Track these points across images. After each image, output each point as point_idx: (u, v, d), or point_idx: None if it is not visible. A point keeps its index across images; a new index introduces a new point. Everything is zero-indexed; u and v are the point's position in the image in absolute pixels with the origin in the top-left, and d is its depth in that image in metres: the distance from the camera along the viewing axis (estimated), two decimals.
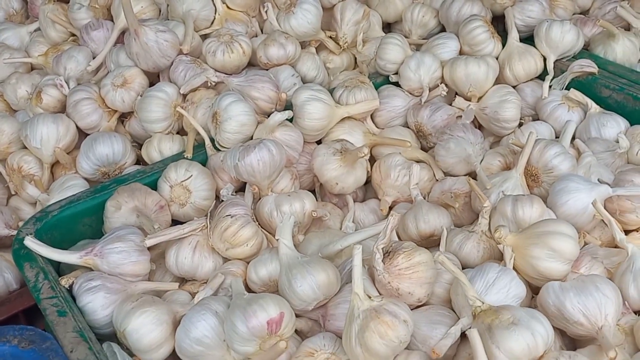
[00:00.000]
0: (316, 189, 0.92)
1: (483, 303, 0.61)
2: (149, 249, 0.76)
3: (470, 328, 0.61)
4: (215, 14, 1.04)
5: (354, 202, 0.89)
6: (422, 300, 0.67)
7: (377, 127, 0.97)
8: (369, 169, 0.90)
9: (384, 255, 0.66)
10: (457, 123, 0.90)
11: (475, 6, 1.03)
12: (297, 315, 0.70)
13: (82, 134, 0.96)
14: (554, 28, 0.96)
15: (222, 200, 0.80)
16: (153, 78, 0.99)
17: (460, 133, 0.85)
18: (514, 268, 0.68)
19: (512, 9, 1.02)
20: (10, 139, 0.95)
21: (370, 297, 0.62)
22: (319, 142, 0.92)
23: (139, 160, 0.95)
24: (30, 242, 0.73)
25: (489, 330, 0.58)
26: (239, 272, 0.74)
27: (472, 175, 0.86)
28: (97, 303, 0.69)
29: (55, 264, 0.76)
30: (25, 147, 0.94)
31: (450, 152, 0.85)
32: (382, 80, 1.02)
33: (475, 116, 0.94)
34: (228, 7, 1.05)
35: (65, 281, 0.72)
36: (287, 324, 0.63)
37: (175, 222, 0.83)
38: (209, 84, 0.93)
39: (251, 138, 0.87)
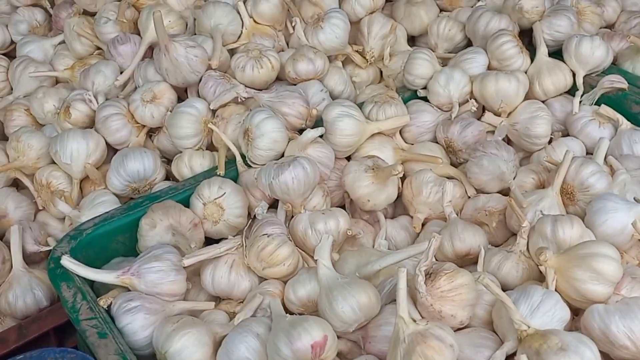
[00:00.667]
0: (346, 205, 0.91)
1: (529, 327, 0.61)
2: (184, 267, 0.76)
3: (516, 352, 0.61)
4: (242, 28, 1.04)
5: (385, 218, 0.89)
6: (464, 323, 0.66)
7: (406, 143, 0.97)
8: (400, 186, 0.89)
9: (425, 277, 0.65)
10: (490, 140, 0.89)
11: (502, 20, 1.03)
12: (337, 337, 0.69)
13: (110, 149, 0.96)
14: (583, 44, 0.96)
15: (255, 218, 0.79)
16: (180, 92, 0.99)
17: (494, 150, 0.85)
18: (555, 289, 0.67)
19: (540, 23, 1.02)
20: (38, 154, 0.94)
21: (414, 321, 0.61)
22: (348, 158, 0.92)
23: (168, 176, 0.94)
24: (67, 262, 0.72)
25: (537, 355, 0.58)
26: (277, 292, 0.74)
27: (504, 192, 0.85)
28: (137, 324, 0.69)
29: (89, 282, 0.76)
30: (53, 162, 0.94)
31: (484, 169, 0.84)
32: (410, 95, 1.01)
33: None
34: (255, 21, 1.04)
35: (104, 302, 0.71)
36: (330, 346, 0.63)
37: (208, 239, 0.83)
38: (239, 100, 0.92)
39: (282, 154, 0.86)
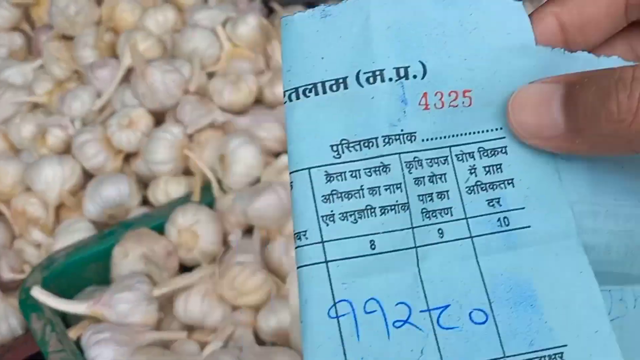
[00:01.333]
0: None
1: None
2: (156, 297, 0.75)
3: None
4: (221, 51, 1.04)
5: None
6: None
7: None
8: None
9: None
10: None
11: None
12: None
13: (87, 175, 0.95)
14: None
15: (231, 246, 0.79)
16: (159, 117, 0.99)
17: None
18: None
19: None
20: (14, 181, 0.94)
21: None
22: None
23: (145, 201, 0.94)
24: (38, 293, 0.72)
25: None
26: (249, 321, 0.73)
27: None
28: (106, 356, 0.68)
29: (61, 312, 0.75)
30: (29, 189, 0.93)
31: None
32: None
33: None
34: (234, 44, 1.04)
35: (73, 333, 0.70)
36: None
37: (183, 266, 0.82)
38: (216, 124, 0.92)
39: (258, 180, 0.86)
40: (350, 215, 0.28)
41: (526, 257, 0.28)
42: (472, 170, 0.29)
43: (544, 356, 0.27)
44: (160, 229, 0.83)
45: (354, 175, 0.28)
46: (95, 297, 0.73)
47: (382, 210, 0.28)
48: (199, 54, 1.00)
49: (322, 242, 0.27)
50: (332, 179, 0.28)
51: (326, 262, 0.27)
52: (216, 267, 0.75)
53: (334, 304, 0.27)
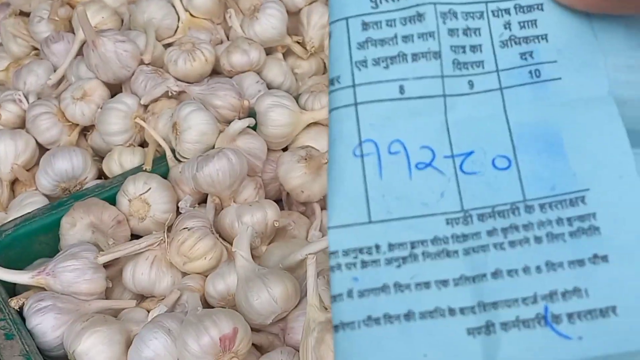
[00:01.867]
0: (283, 198, 0.89)
1: None
2: (106, 266, 0.74)
3: None
4: (178, 22, 1.02)
5: (322, 210, 0.86)
6: None
7: None
8: None
9: None
10: None
11: None
12: (257, 330, 0.67)
13: (43, 149, 0.93)
14: None
15: (181, 213, 0.77)
16: (116, 90, 0.97)
17: None
18: None
19: None
20: None
21: (327, 309, 0.59)
22: (285, 150, 0.90)
23: (101, 175, 0.92)
24: None
25: None
26: (197, 287, 0.71)
27: None
28: (47, 324, 0.66)
29: (9, 285, 0.73)
30: None
31: None
32: None
33: None
34: (191, 14, 1.02)
35: (15, 302, 0.69)
36: (241, 339, 0.60)
37: (135, 237, 0.80)
38: (170, 94, 0.90)
39: (212, 147, 0.84)
40: (383, 61, 0.29)
41: (555, 107, 0.28)
42: (507, 25, 0.29)
43: (565, 200, 0.27)
44: (113, 200, 0.81)
45: (389, 24, 0.29)
46: (41, 268, 0.71)
47: (414, 57, 0.29)
48: (155, 24, 0.99)
49: (354, 85, 0.29)
50: (368, 27, 0.29)
51: (355, 104, 0.28)
52: (165, 233, 0.74)
53: (360, 143, 0.28)
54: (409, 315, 0.26)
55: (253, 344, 0.65)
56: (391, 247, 0.27)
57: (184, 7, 1.02)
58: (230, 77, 0.96)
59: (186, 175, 0.78)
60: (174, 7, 1.02)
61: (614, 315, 0.26)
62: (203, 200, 0.83)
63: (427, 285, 0.27)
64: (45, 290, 0.71)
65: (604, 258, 0.26)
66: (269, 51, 1.02)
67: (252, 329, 0.65)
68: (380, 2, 0.29)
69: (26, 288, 0.74)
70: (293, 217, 0.84)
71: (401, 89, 0.29)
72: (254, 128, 0.87)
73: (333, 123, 0.29)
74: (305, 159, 0.82)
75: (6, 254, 0.76)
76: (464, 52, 0.29)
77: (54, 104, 0.93)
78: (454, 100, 0.29)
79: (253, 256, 0.75)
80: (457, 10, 0.29)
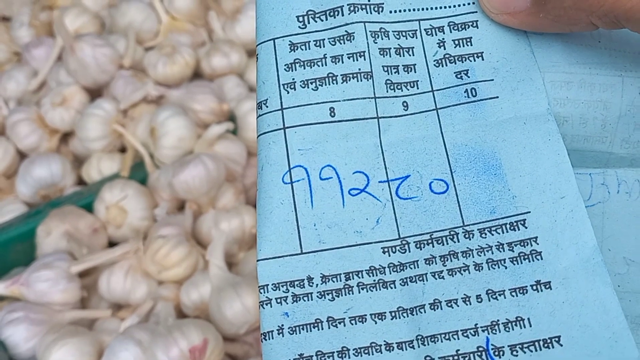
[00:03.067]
0: None
1: None
2: (82, 275, 0.73)
3: None
4: (159, 25, 1.01)
5: None
6: None
7: None
8: None
9: None
10: None
11: None
12: (231, 340, 0.66)
13: (24, 156, 0.92)
14: None
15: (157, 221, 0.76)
16: (98, 95, 0.96)
17: None
18: None
19: None
20: None
21: None
22: None
23: (82, 181, 0.91)
24: None
25: None
26: (172, 296, 0.70)
27: None
28: (19, 336, 0.65)
29: None
30: None
31: None
32: None
33: None
34: (172, 17, 1.01)
35: None
36: (212, 350, 0.59)
37: (113, 245, 0.79)
38: (150, 98, 0.89)
39: (191, 153, 0.83)
40: (311, 83, 0.28)
41: (492, 126, 0.27)
42: (441, 44, 0.28)
43: (505, 224, 0.26)
44: (90, 208, 0.80)
45: (317, 44, 0.28)
46: (15, 277, 0.70)
47: (344, 78, 0.28)
48: (135, 27, 0.97)
49: (282, 109, 0.27)
50: (296, 48, 0.28)
51: (284, 128, 0.27)
52: (140, 241, 0.73)
53: (289, 170, 0.27)
54: (342, 353, 0.25)
55: (227, 354, 0.64)
56: (324, 279, 0.26)
57: (165, 9, 1.00)
58: (212, 80, 0.95)
59: (162, 182, 0.77)
60: (154, 9, 1.00)
61: (558, 345, 0.24)
62: (182, 207, 0.82)
63: (362, 319, 0.25)
64: (19, 300, 0.70)
65: (547, 285, 0.25)
66: (252, 53, 1.01)
67: (226, 339, 0.64)
68: (309, 22, 0.28)
69: (2, 297, 0.73)
70: None
71: (332, 112, 0.27)
72: (235, 132, 0.86)
73: (261, 149, 0.28)
74: None
75: None
76: (397, 72, 0.28)
77: (33, 110, 0.92)
78: (388, 122, 0.28)
79: (231, 264, 0.74)
80: (389, 29, 0.28)
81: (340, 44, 0.28)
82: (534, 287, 0.25)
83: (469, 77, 0.28)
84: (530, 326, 0.25)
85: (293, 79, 0.28)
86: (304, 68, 0.28)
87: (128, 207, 0.79)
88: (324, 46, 0.28)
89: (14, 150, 0.91)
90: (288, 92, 0.27)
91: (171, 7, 1.00)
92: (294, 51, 0.28)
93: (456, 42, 0.28)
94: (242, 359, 0.66)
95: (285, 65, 0.28)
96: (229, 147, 0.83)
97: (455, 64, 0.28)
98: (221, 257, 0.67)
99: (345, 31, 0.28)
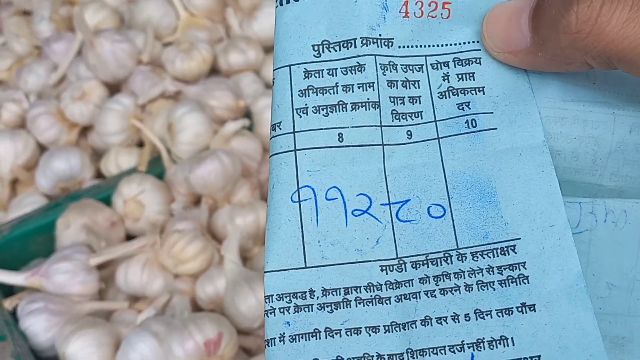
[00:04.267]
0: None
1: None
2: (100, 267, 0.75)
3: None
4: (177, 21, 1.02)
5: None
6: None
7: None
8: None
9: None
10: None
11: None
12: (245, 333, 0.67)
13: (45, 149, 0.94)
14: None
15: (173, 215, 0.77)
16: (117, 89, 0.97)
17: None
18: None
19: None
20: None
21: None
22: None
23: (100, 175, 0.93)
24: None
25: None
26: (188, 289, 0.72)
27: None
28: (38, 326, 0.67)
29: (6, 285, 0.75)
30: None
31: None
32: None
33: None
34: (191, 13, 1.02)
35: (8, 303, 0.70)
36: (226, 343, 0.61)
37: (131, 238, 0.81)
38: (167, 94, 0.91)
39: (208, 148, 0.84)
40: (323, 109, 0.29)
41: (489, 156, 0.29)
42: (446, 77, 0.30)
43: (497, 248, 0.28)
44: (108, 201, 0.82)
45: (330, 73, 0.30)
46: (35, 269, 0.72)
47: (353, 106, 0.29)
48: (154, 23, 0.99)
49: (294, 132, 0.29)
50: (310, 75, 0.30)
51: (295, 150, 0.29)
52: (158, 235, 0.74)
53: (297, 189, 0.28)
54: None
55: (241, 347, 0.66)
56: (325, 292, 0.28)
57: (184, 5, 1.01)
58: (229, 76, 0.96)
59: (179, 177, 0.78)
60: (173, 6, 1.01)
61: None
62: (198, 201, 0.84)
63: (357, 331, 0.27)
64: (39, 291, 0.72)
65: (532, 307, 0.27)
66: (268, 50, 1.02)
67: (240, 332, 0.65)
68: (323, 52, 0.30)
69: (23, 288, 0.75)
70: None
71: (340, 137, 0.29)
72: (250, 129, 0.87)
73: (273, 168, 0.29)
74: None
75: (3, 254, 0.77)
76: (403, 103, 0.30)
77: (53, 103, 0.94)
78: (392, 149, 0.29)
79: (245, 258, 0.75)
80: (397, 63, 0.30)
81: (352, 74, 0.30)
82: (519, 309, 0.27)
83: (470, 108, 0.29)
84: (513, 345, 0.26)
85: (306, 104, 0.29)
86: (316, 95, 0.30)
87: (145, 201, 0.80)
88: (336, 75, 0.30)
89: (34, 143, 0.92)
90: (300, 117, 0.29)
91: (189, 3, 1.01)
92: (308, 78, 0.30)
93: (460, 76, 0.30)
94: (256, 352, 0.67)
95: (299, 90, 0.30)
96: (244, 143, 0.84)
97: (458, 96, 0.30)
98: (236, 252, 0.68)
99: (357, 62, 0.30)
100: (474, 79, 0.30)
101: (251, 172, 0.85)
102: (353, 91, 0.29)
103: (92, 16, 0.98)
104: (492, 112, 0.29)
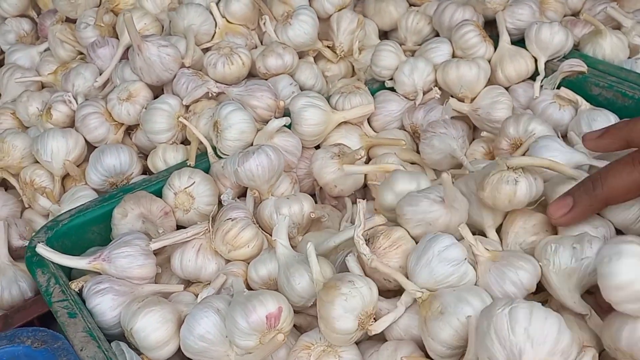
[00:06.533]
0: (316, 192, 0.95)
1: (423, 293, 0.62)
2: (155, 253, 0.80)
3: None
4: (215, 28, 1.08)
5: (353, 204, 0.92)
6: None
7: (375, 131, 1.00)
8: None
9: (366, 241, 0.68)
10: (438, 120, 0.92)
11: (466, 11, 1.05)
12: (296, 312, 0.72)
13: (91, 147, 1.00)
14: (543, 30, 0.99)
15: (224, 205, 0.83)
16: (157, 91, 1.03)
17: (442, 129, 0.87)
18: None
19: (502, 12, 1.04)
20: (22, 154, 0.99)
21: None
22: (317, 147, 0.95)
23: (146, 171, 0.98)
24: (42, 249, 0.76)
25: (424, 323, 0.60)
26: (240, 273, 0.77)
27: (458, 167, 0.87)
28: (105, 305, 0.72)
29: (66, 270, 0.79)
30: (37, 162, 0.98)
31: (435, 148, 0.87)
32: (379, 86, 1.04)
33: (469, 117, 0.97)
34: (228, 21, 1.08)
35: (75, 285, 0.75)
36: (285, 318, 0.66)
37: (180, 227, 0.86)
38: (210, 95, 0.96)
39: (251, 145, 0.90)
40: None
41: None
42: None
43: None
44: (158, 193, 0.87)
45: None
46: (96, 254, 0.77)
47: None
48: (194, 30, 1.05)
49: None
50: None
51: None
52: (209, 223, 0.80)
53: None
54: None
55: (293, 324, 0.71)
56: None
57: (221, 13, 1.08)
58: (266, 79, 1.02)
59: (228, 170, 0.83)
60: (211, 13, 1.08)
61: None
62: (242, 194, 0.89)
63: None
64: (100, 274, 0.77)
65: None
66: (300, 55, 1.08)
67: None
68: None
69: (81, 273, 0.80)
70: (326, 209, 0.90)
71: None
72: (289, 127, 0.93)
73: None
74: (338, 156, 0.88)
75: (63, 242, 0.83)
76: None
77: (101, 104, 1.00)
78: None
79: (290, 244, 0.80)
80: None
81: None
82: None
83: None
84: None
85: None
86: None
87: (195, 193, 0.85)
88: None
89: (84, 141, 0.98)
90: None
91: (227, 11, 1.08)
92: None
93: None
94: (306, 328, 0.72)
95: None
96: (286, 139, 0.89)
97: None
98: (286, 237, 0.73)
99: None
100: None
101: (291, 167, 0.91)
102: None
103: (135, 23, 1.04)
104: None
